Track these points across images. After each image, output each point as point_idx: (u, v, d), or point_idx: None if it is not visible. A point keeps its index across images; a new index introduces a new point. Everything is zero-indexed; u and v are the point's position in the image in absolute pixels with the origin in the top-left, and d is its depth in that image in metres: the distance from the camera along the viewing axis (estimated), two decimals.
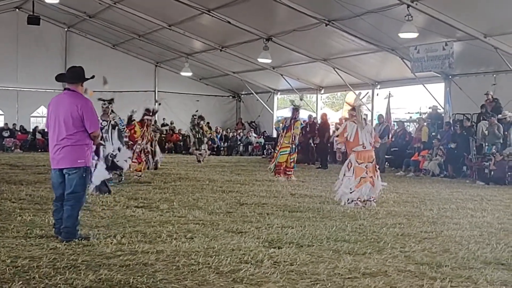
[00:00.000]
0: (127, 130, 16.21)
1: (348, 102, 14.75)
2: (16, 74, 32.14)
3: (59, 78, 8.39)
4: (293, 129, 17.49)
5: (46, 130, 8.56)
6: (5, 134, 30.63)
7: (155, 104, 17.41)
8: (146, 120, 16.95)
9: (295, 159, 18.11)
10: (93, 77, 8.16)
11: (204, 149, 24.03)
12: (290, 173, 17.59)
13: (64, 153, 7.79)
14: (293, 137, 17.54)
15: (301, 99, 19.38)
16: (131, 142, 16.24)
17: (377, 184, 12.21)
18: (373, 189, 12.03)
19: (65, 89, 8.02)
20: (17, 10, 31.33)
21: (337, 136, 12.45)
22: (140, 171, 16.70)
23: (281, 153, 17.55)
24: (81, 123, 7.77)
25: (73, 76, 8.03)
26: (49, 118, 7.98)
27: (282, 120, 18.48)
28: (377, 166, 12.53)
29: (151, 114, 17.12)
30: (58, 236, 7.82)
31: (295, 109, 17.77)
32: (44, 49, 32.23)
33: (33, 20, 28.57)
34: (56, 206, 8.01)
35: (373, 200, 12.01)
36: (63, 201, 7.91)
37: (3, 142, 30.37)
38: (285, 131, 17.62)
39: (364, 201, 11.88)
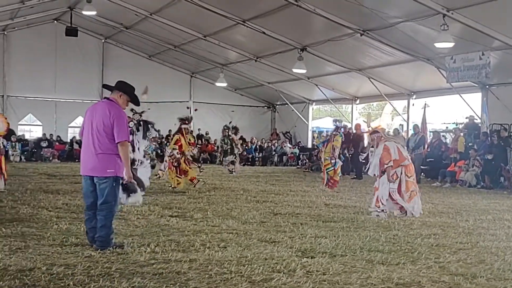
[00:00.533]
0: (176, 146, 16.30)
1: (371, 130, 14.99)
2: (54, 85, 32.67)
3: (105, 86, 8.49)
4: (333, 142, 17.39)
5: (79, 137, 8.61)
6: (44, 144, 31.11)
7: (190, 112, 17.32)
8: (183, 129, 16.78)
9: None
10: (133, 89, 8.21)
11: (230, 160, 23.87)
12: (331, 185, 17.35)
13: (95, 161, 7.81)
14: (333, 150, 17.36)
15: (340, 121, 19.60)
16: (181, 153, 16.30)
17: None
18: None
19: (105, 98, 8.10)
20: (55, 21, 31.87)
21: (387, 163, 12.00)
22: (194, 179, 16.80)
23: (327, 170, 17.29)
24: (111, 130, 7.77)
25: (118, 88, 8.11)
26: (84, 124, 8.05)
27: (322, 136, 18.50)
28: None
29: (187, 122, 17.04)
30: (92, 244, 7.90)
31: (337, 127, 17.76)
32: (81, 60, 32.74)
33: (71, 31, 29.01)
34: (88, 215, 8.05)
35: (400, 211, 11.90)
36: (94, 210, 7.95)
37: (42, 152, 30.83)
38: (325, 145, 17.53)
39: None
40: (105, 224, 7.86)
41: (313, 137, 34.41)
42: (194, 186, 16.54)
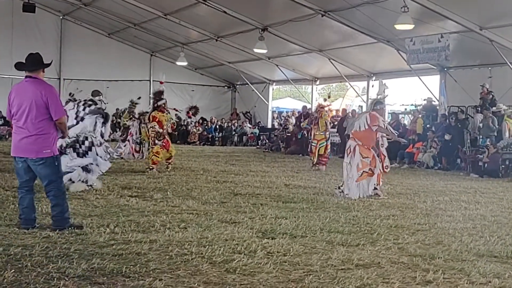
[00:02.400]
0: (154, 122, 15.90)
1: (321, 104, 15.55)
2: (11, 62, 31.54)
3: (18, 66, 7.94)
4: (322, 118, 18.15)
5: (7, 119, 8.25)
6: None
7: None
8: (160, 106, 16.18)
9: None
10: (51, 62, 8.03)
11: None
12: (324, 163, 18.18)
13: (30, 143, 7.60)
14: (325, 125, 18.26)
15: (328, 97, 20.05)
16: (161, 130, 15.93)
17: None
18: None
19: (26, 76, 7.79)
20: None
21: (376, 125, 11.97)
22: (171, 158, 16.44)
23: (320, 145, 18.07)
24: (46, 110, 7.58)
25: (34, 63, 7.82)
26: (13, 105, 7.72)
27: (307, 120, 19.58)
28: None
29: (161, 97, 16.22)
30: (27, 228, 7.64)
31: (320, 105, 18.78)
32: (39, 37, 31.98)
33: (29, 7, 28.47)
34: (21, 193, 7.86)
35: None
36: (27, 188, 7.83)
37: None
38: (313, 124, 18.36)
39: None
40: (57, 203, 7.77)
41: (273, 117, 34.50)
42: (167, 167, 16.27)
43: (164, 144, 16.06)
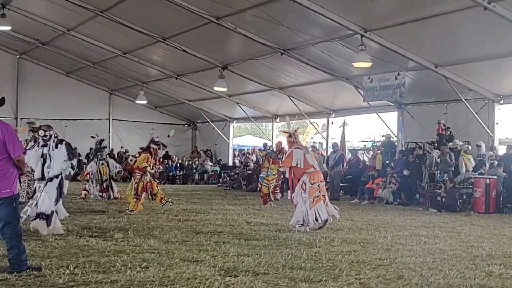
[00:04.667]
0: (141, 160, 16.01)
1: (284, 131, 15.93)
2: None
3: None
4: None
5: None
6: None
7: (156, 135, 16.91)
8: (153, 149, 16.39)
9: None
10: (3, 100, 7.85)
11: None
12: (278, 191, 19.30)
13: None
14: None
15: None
16: (140, 172, 15.96)
17: (331, 206, 12.64)
18: (327, 207, 12.45)
19: None
20: None
21: (281, 163, 12.68)
22: (162, 199, 16.54)
23: (272, 184, 18.77)
24: (4, 149, 7.48)
25: None
26: None
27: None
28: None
29: (158, 144, 16.54)
30: None
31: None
32: None
33: None
34: None
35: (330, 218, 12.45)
36: None
37: None
38: (270, 161, 18.87)
39: (324, 220, 12.31)
40: (13, 246, 7.59)
41: (234, 155, 34.51)
42: (163, 206, 16.31)
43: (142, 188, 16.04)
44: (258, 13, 17.72)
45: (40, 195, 11.29)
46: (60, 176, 11.39)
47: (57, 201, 11.42)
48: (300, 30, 18.46)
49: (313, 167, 12.55)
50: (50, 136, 11.51)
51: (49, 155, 11.41)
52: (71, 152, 11.61)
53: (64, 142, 11.60)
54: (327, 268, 8.19)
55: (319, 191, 12.36)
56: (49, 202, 11.22)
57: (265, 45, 20.94)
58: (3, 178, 7.51)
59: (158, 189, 16.85)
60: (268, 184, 18.65)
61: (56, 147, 11.45)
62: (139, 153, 17.06)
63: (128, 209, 15.54)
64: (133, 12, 21.40)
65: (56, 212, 11.43)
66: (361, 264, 8.60)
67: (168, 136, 16.74)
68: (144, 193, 16.17)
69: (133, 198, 15.76)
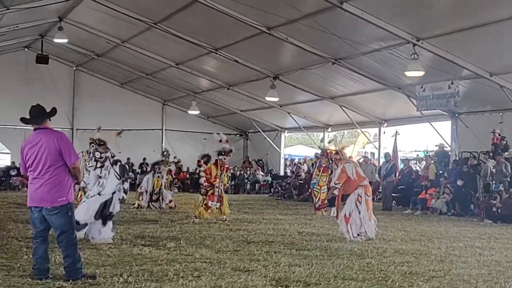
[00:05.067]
0: (204, 173, 16.20)
1: (330, 149, 15.96)
2: (24, 114, 31.94)
3: (24, 120, 8.08)
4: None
5: (22, 173, 8.26)
6: (12, 172, 30.66)
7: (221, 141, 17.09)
8: (219, 161, 16.33)
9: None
10: (55, 110, 8.08)
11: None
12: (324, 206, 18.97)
13: (44, 192, 7.64)
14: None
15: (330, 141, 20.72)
16: (208, 185, 16.03)
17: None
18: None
19: (34, 129, 7.89)
20: (26, 49, 31.57)
21: (336, 180, 12.60)
22: (225, 214, 16.17)
23: (323, 191, 18.68)
24: (60, 157, 7.66)
25: (37, 115, 7.93)
26: (26, 159, 7.78)
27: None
28: None
29: (223, 153, 16.40)
30: (41, 278, 7.63)
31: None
32: (52, 88, 32.27)
33: (42, 59, 28.81)
34: (36, 243, 7.84)
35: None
36: (42, 238, 7.81)
37: (11, 181, 30.43)
38: (320, 169, 18.98)
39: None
40: (68, 254, 7.74)
41: (285, 165, 34.52)
42: (224, 220, 15.93)
43: (209, 197, 16.00)
44: (310, 23, 17.71)
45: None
46: (112, 195, 11.58)
47: (104, 221, 11.47)
48: (351, 40, 18.37)
49: (366, 180, 12.72)
50: (107, 157, 11.79)
51: (104, 176, 11.70)
52: (124, 174, 11.83)
53: (119, 163, 11.87)
54: (379, 279, 8.11)
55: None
56: (85, 213, 11.33)
57: (316, 55, 20.92)
58: (58, 186, 7.69)
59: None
60: (319, 190, 18.81)
61: (112, 166, 11.73)
62: (200, 163, 17.19)
63: (194, 214, 15.86)
64: (186, 23, 21.65)
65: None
66: (414, 275, 8.49)
67: (220, 141, 16.73)
68: (214, 201, 16.04)
69: (202, 206, 15.90)
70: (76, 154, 7.92)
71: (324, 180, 18.73)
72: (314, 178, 19.45)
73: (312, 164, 19.77)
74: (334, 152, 13.27)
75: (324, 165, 18.77)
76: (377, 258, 10.04)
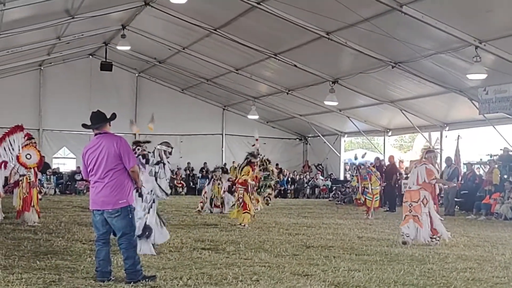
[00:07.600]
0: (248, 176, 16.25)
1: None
2: (88, 120, 32.87)
3: (85, 126, 8.37)
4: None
5: (84, 178, 8.44)
6: (78, 177, 31.30)
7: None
8: (252, 164, 16.50)
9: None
10: (114, 115, 8.28)
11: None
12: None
13: (105, 195, 7.84)
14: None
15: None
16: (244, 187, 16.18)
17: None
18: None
19: (95, 134, 8.12)
20: (90, 57, 32.34)
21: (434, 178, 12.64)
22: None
23: (376, 199, 19.71)
24: (119, 160, 7.85)
25: (97, 121, 8.15)
26: (87, 164, 7.99)
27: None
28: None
29: (254, 157, 16.64)
30: (103, 280, 7.82)
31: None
32: (116, 94, 32.95)
33: (106, 66, 29.41)
34: (98, 246, 8.05)
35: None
36: (104, 240, 8.00)
37: (76, 185, 31.14)
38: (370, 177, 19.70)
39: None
40: (128, 256, 7.91)
41: (345, 169, 34.31)
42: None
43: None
44: (369, 26, 17.59)
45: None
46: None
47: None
48: (411, 43, 18.15)
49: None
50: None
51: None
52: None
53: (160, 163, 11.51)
54: (441, 286, 8.00)
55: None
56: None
57: (375, 59, 20.75)
58: (119, 189, 7.88)
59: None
60: (371, 198, 19.30)
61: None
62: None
63: (240, 223, 15.70)
64: (245, 29, 21.79)
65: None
66: (477, 282, 8.34)
67: (254, 145, 16.75)
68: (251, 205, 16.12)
69: (242, 213, 15.85)
70: (135, 158, 8.14)
71: (377, 187, 19.65)
72: (366, 186, 19.61)
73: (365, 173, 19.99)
74: (428, 150, 13.26)
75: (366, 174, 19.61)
76: (438, 264, 9.89)
